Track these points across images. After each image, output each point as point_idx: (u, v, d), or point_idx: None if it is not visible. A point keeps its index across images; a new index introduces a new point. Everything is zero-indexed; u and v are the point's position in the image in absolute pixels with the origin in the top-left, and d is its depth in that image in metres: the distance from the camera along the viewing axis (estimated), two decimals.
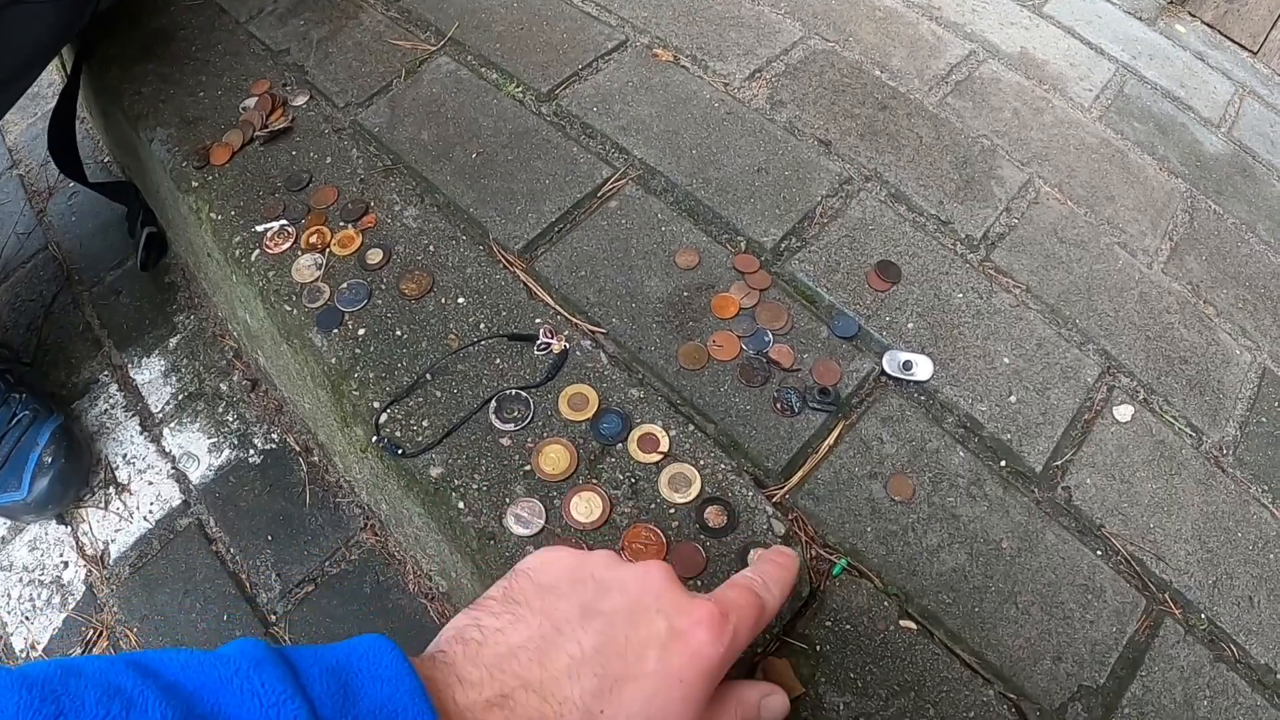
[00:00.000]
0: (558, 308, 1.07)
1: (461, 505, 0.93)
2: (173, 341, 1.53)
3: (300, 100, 1.32)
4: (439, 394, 1.00)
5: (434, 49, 1.37)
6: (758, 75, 1.35)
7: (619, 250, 1.13)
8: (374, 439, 0.98)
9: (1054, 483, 1.02)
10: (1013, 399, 1.06)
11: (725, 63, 1.36)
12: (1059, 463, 1.03)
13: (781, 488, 0.98)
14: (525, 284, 1.09)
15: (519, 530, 0.92)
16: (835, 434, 1.02)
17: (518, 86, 1.31)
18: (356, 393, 1.02)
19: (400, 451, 0.97)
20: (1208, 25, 1.81)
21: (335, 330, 1.06)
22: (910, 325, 1.10)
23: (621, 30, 1.40)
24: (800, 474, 0.99)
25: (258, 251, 1.15)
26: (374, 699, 0.51)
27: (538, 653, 0.59)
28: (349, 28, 1.43)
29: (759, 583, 0.71)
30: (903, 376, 1.06)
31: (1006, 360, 1.09)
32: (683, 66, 1.35)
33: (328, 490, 1.31)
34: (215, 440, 1.40)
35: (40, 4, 1.28)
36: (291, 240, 1.15)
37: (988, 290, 1.15)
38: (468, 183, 1.19)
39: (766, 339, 1.06)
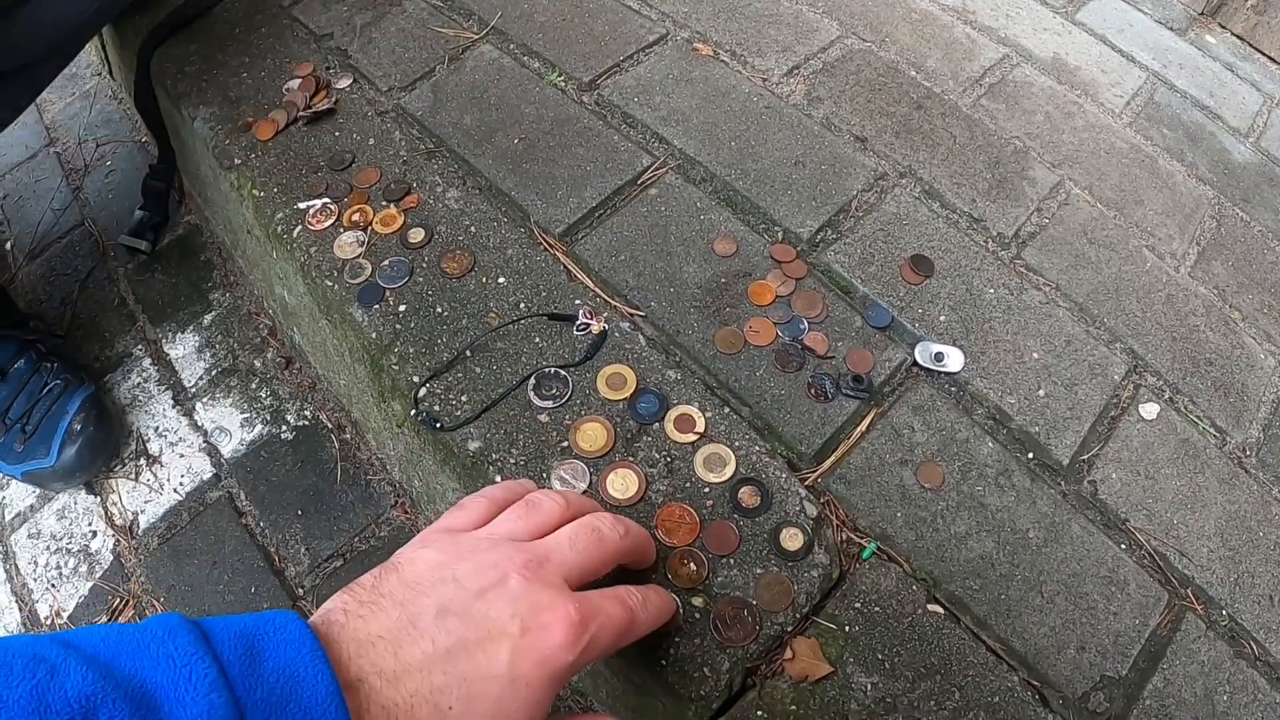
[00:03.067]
0: (597, 290, 1.09)
1: (499, 479, 0.95)
2: (207, 318, 1.55)
3: (343, 83, 1.33)
4: (478, 370, 1.02)
5: (477, 37, 1.39)
6: (795, 72, 1.36)
7: (658, 236, 1.14)
8: (412, 412, 1.00)
9: (1080, 476, 1.03)
10: (1041, 393, 1.07)
11: (764, 59, 1.37)
12: (1085, 457, 1.04)
13: (814, 471, 0.99)
14: (565, 266, 1.11)
15: None
16: (867, 421, 1.03)
17: (560, 75, 1.33)
18: (396, 367, 1.03)
19: (439, 425, 0.99)
20: (1237, 37, 1.82)
21: (376, 306, 1.08)
22: (942, 318, 1.11)
23: (662, 24, 1.41)
24: (833, 459, 1.00)
25: (300, 228, 1.16)
26: (278, 660, 0.55)
27: (393, 644, 0.61)
28: (392, 14, 1.44)
29: (638, 599, 0.74)
30: (934, 368, 1.08)
31: (1036, 355, 1.10)
32: (722, 61, 1.36)
33: (359, 467, 1.33)
34: (248, 416, 1.41)
35: None
36: (334, 218, 1.16)
37: (1018, 287, 1.16)
38: (509, 167, 1.20)
39: (802, 326, 1.08)
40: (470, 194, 1.18)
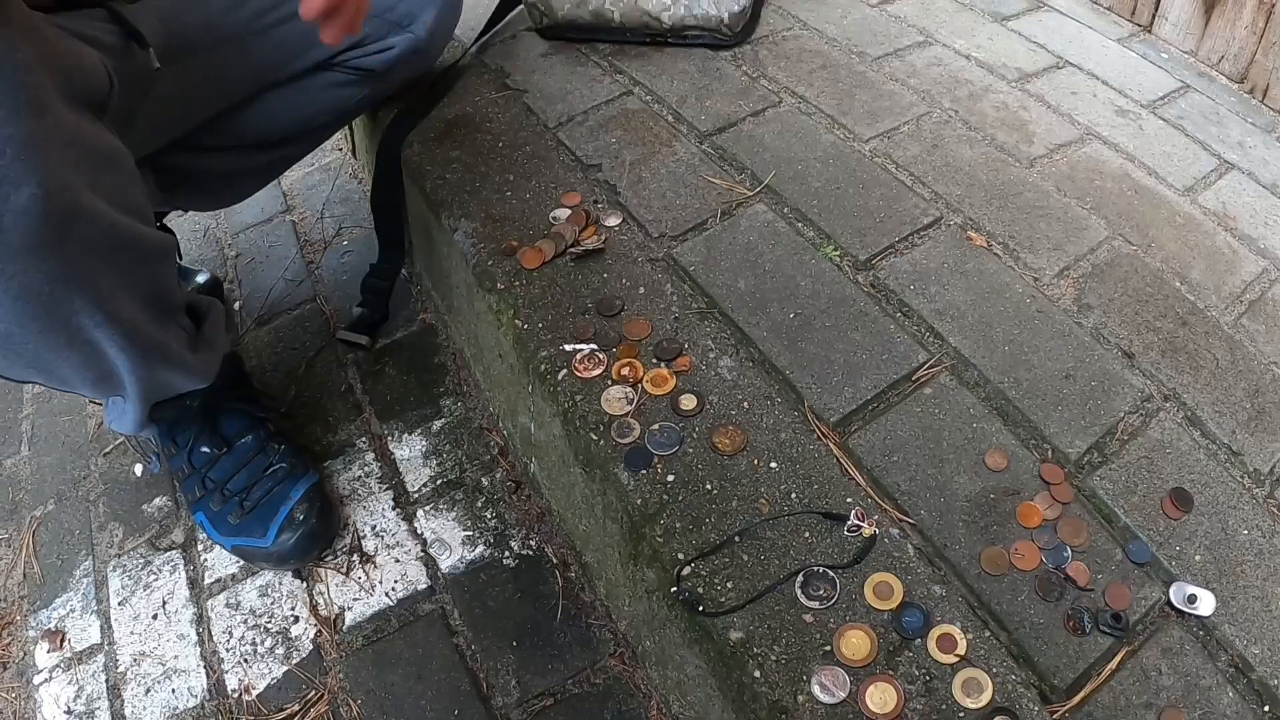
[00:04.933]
0: (868, 490, 1.08)
1: (758, 674, 0.94)
2: (436, 424, 1.56)
3: (613, 221, 1.35)
4: (745, 558, 1.02)
5: (750, 194, 1.40)
6: (1065, 273, 1.35)
7: (931, 440, 1.13)
8: (673, 589, 1.00)
9: None
10: None
11: (1035, 256, 1.36)
12: None
13: (1064, 705, 0.97)
14: (838, 459, 1.10)
15: (824, 698, 0.93)
16: (1118, 659, 1.01)
17: (835, 249, 1.33)
18: (660, 540, 1.03)
19: (701, 609, 0.98)
20: None
21: (643, 471, 1.08)
22: (1197, 558, 1.09)
23: (935, 206, 1.41)
24: (1082, 695, 0.98)
25: (565, 371, 1.17)
26: None
27: None
28: (662, 155, 1.46)
29: None
30: (1186, 610, 1.05)
31: None
32: (995, 254, 1.35)
33: (581, 609, 1.33)
34: (470, 534, 1.42)
35: (344, 74, 1.40)
36: (602, 368, 1.17)
37: (1270, 530, 1.13)
38: (784, 343, 1.21)
39: (1065, 554, 1.06)
40: (744, 365, 1.18)
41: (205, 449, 1.40)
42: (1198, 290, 1.38)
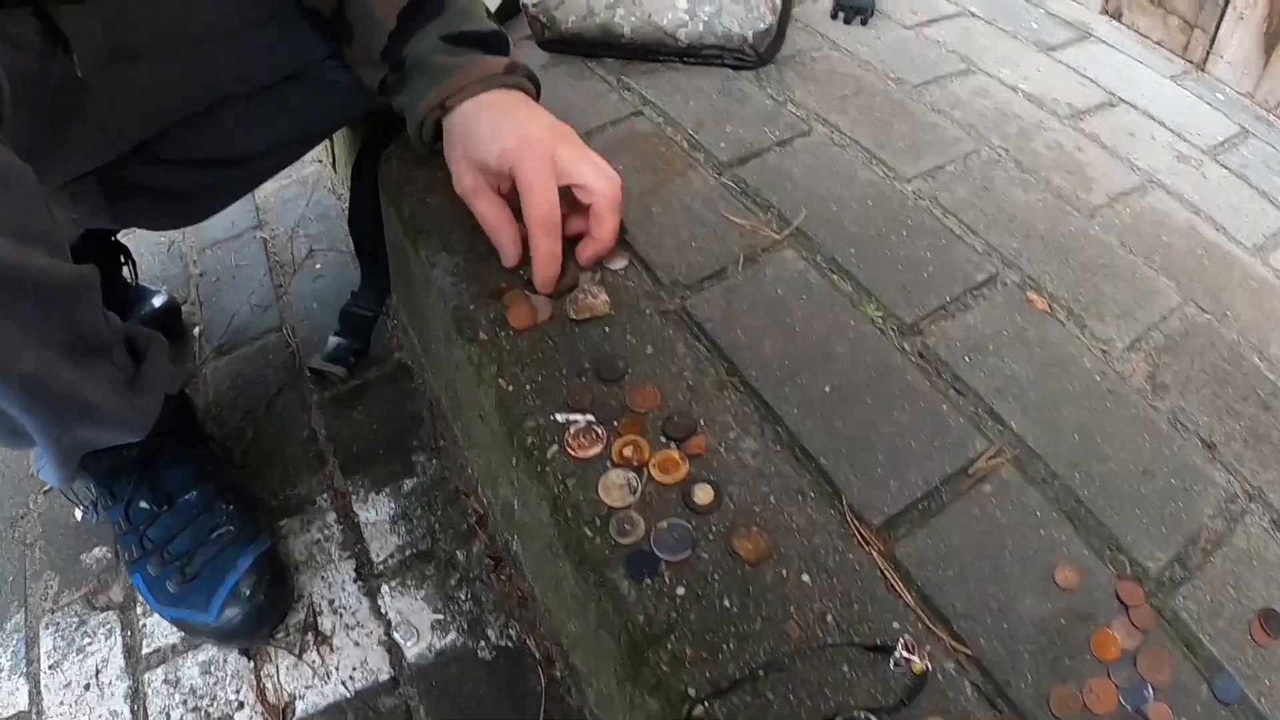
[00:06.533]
0: (919, 611, 0.91)
1: None
2: (408, 484, 1.40)
3: (618, 264, 1.17)
4: (770, 696, 0.85)
5: (778, 237, 1.23)
6: (1137, 345, 1.19)
7: (992, 549, 0.97)
8: None
9: None
10: None
11: (1103, 324, 1.20)
12: None
13: None
14: (883, 572, 0.93)
15: None
16: None
17: (877, 309, 1.16)
18: (666, 668, 0.87)
19: None
20: None
21: (648, 581, 0.91)
22: None
23: (990, 260, 1.24)
24: None
25: (556, 447, 1.00)
26: None
27: None
28: (675, 185, 1.29)
29: None
30: None
31: None
32: (1058, 320, 1.19)
33: (567, 715, 1.16)
34: (441, 617, 1.26)
35: (319, 88, 1.30)
36: (601, 445, 1.00)
37: None
38: (819, 421, 1.03)
39: (1146, 694, 0.90)
40: (770, 449, 1.01)
41: (144, 504, 1.26)
42: (1278, 368, 1.21)
